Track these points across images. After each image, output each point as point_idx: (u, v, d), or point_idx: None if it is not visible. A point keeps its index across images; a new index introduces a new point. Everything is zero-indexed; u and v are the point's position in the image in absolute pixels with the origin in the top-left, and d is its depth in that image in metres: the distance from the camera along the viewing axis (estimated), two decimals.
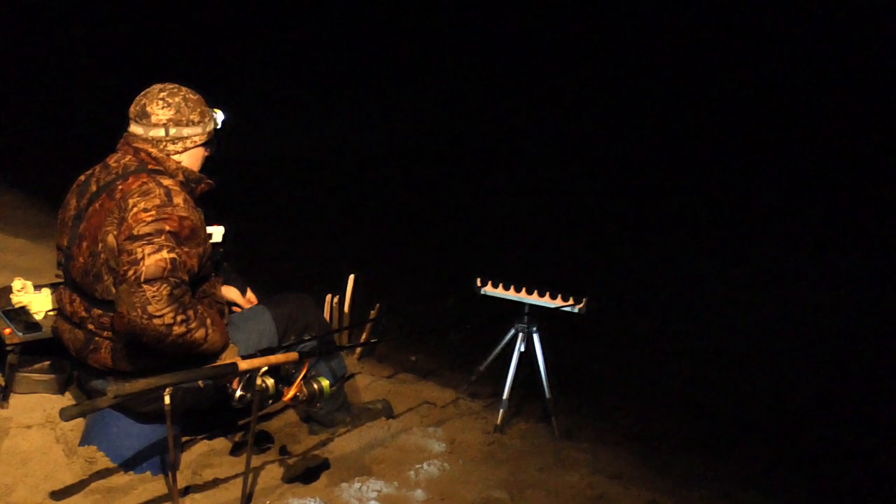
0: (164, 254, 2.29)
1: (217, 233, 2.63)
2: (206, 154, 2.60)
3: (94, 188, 2.48)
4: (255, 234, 5.03)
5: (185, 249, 2.35)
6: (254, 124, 7.32)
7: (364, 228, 6.02)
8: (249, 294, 2.92)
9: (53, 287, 2.93)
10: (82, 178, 2.57)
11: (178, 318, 2.27)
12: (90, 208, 2.45)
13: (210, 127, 2.57)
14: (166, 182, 2.42)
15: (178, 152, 2.51)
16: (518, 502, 2.69)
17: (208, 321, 2.37)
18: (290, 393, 2.40)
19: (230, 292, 2.85)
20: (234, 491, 2.50)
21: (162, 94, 2.48)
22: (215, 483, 2.57)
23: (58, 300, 2.61)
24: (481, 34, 10.00)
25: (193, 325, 2.31)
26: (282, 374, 2.42)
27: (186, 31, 10.06)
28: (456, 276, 3.74)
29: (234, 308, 2.85)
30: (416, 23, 10.25)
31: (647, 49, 9.21)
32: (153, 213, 2.33)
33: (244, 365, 2.34)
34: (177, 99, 2.49)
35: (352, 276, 3.64)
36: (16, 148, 6.70)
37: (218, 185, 2.63)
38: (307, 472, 2.69)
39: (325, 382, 2.48)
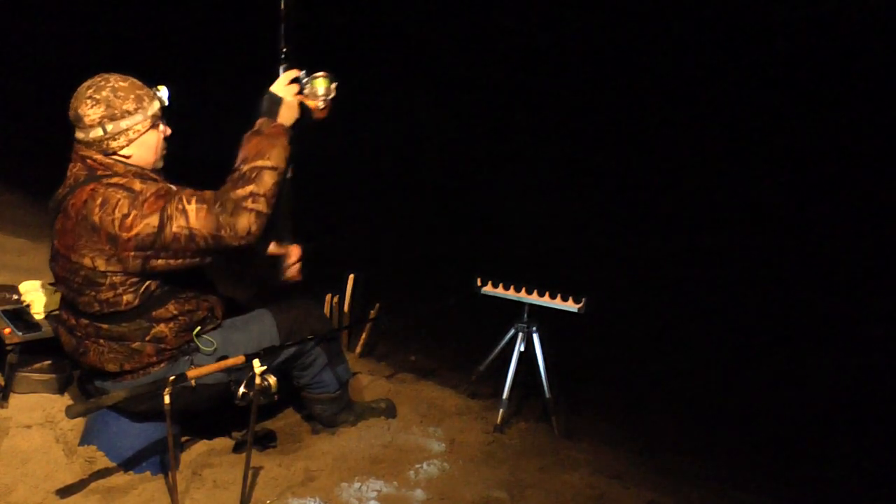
0: (189, 207, 2.29)
1: None
2: (163, 135, 2.49)
3: (53, 204, 2.44)
4: None
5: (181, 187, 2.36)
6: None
7: (364, 228, 6.02)
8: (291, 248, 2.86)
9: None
10: (58, 189, 2.49)
11: (251, 204, 2.31)
12: (55, 224, 2.43)
13: (153, 109, 2.42)
14: (114, 180, 2.36)
15: (123, 147, 2.40)
16: (518, 502, 2.69)
17: (257, 162, 2.37)
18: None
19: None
20: (234, 491, 2.50)
21: (89, 92, 2.38)
22: (215, 483, 2.57)
23: (60, 303, 2.63)
24: (481, 34, 9.99)
25: (258, 188, 2.33)
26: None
27: (187, 30, 10.06)
28: (456, 276, 3.74)
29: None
30: (416, 22, 10.24)
31: (647, 48, 9.20)
32: (134, 211, 2.28)
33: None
34: (104, 93, 2.37)
35: (352, 276, 3.64)
36: (16, 148, 6.71)
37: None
38: (307, 472, 2.69)
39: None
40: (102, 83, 2.39)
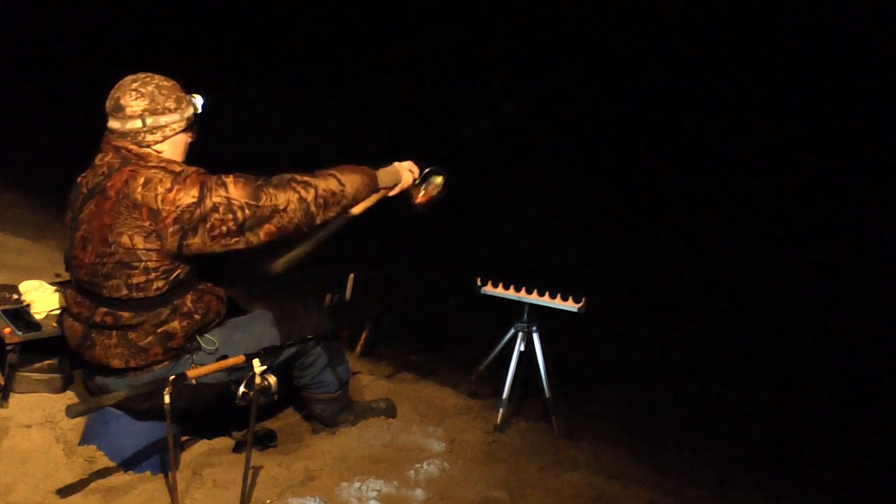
0: (230, 180, 2.41)
1: None
2: (189, 140, 2.57)
3: (84, 191, 2.48)
4: None
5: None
6: (253, 124, 7.33)
7: (364, 228, 6.00)
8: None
9: (63, 286, 2.96)
10: (78, 179, 2.55)
11: (301, 190, 2.47)
12: (84, 211, 2.45)
13: (188, 113, 2.52)
14: (153, 163, 2.43)
15: (157, 142, 2.47)
16: (518, 502, 2.69)
17: (332, 171, 2.59)
18: (421, 198, 2.91)
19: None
20: (234, 491, 2.50)
21: (134, 85, 2.44)
22: (215, 483, 2.57)
23: (65, 298, 2.63)
24: (481, 33, 9.99)
25: (317, 182, 2.51)
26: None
27: (186, 31, 10.06)
28: (456, 276, 3.74)
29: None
30: (416, 22, 10.24)
31: (647, 48, 9.20)
32: (177, 186, 2.37)
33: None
34: (150, 88, 2.44)
35: (352, 276, 3.64)
36: (16, 148, 6.71)
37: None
38: (307, 472, 2.69)
39: (439, 179, 2.84)
40: (148, 79, 2.47)
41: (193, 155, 2.59)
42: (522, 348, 3.28)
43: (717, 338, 4.63)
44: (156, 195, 2.36)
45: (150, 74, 2.49)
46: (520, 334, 3.30)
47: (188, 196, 2.36)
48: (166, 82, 2.50)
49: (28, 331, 2.81)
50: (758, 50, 8.78)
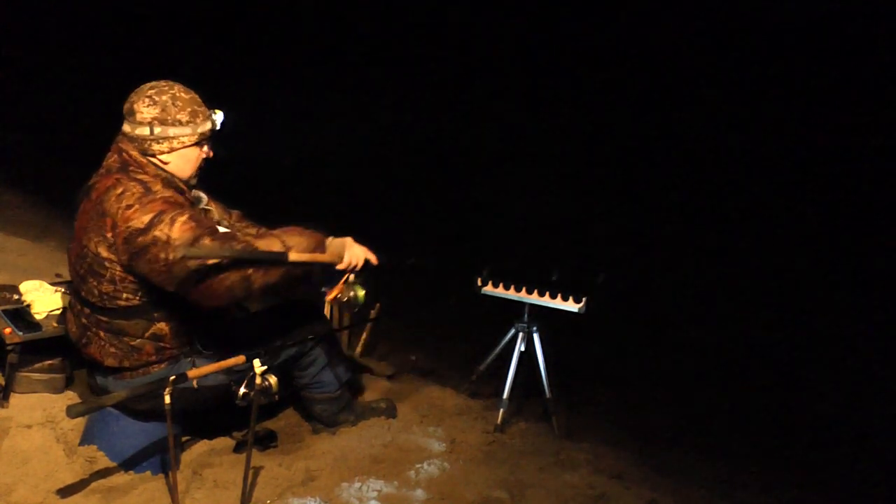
0: (180, 220, 2.27)
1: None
2: (204, 156, 2.51)
3: (85, 188, 2.48)
4: None
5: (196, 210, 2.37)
6: (253, 124, 7.32)
7: (364, 228, 6.00)
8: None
9: (63, 286, 2.98)
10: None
11: (239, 248, 2.28)
12: (80, 208, 2.46)
13: (203, 128, 2.46)
14: (141, 177, 2.39)
15: (164, 152, 2.43)
16: (518, 502, 2.69)
17: (276, 232, 2.41)
18: (333, 294, 2.58)
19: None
20: (234, 491, 2.50)
21: (150, 92, 2.41)
22: (215, 483, 2.57)
23: (70, 293, 2.65)
24: (481, 33, 9.99)
25: (259, 244, 2.31)
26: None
27: (188, 29, 10.06)
28: (456, 276, 3.74)
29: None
30: (416, 22, 10.24)
31: (647, 48, 9.20)
32: (136, 206, 2.30)
33: (294, 257, 2.33)
34: (164, 97, 2.41)
35: (352, 277, 3.63)
36: (16, 148, 6.70)
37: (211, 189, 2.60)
38: (307, 472, 2.69)
39: (361, 292, 2.59)
40: (166, 88, 2.43)
41: (212, 170, 2.56)
42: (523, 348, 3.29)
43: (717, 338, 4.63)
44: (118, 209, 2.31)
45: (171, 83, 2.45)
46: (520, 334, 3.30)
47: (139, 221, 2.29)
48: (184, 94, 2.44)
49: (28, 331, 2.81)
50: (757, 49, 8.78)
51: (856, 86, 8.01)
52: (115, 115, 2.50)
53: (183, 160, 2.47)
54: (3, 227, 4.78)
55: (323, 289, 2.65)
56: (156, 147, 2.42)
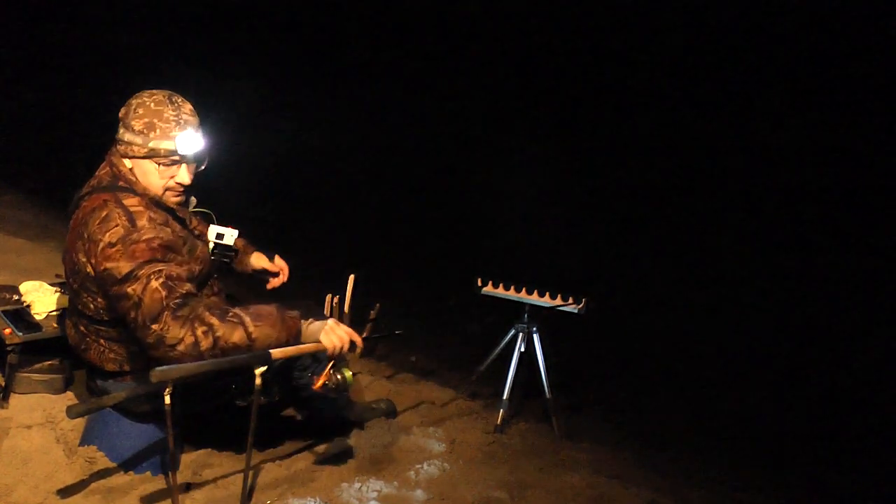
0: (154, 283, 2.21)
1: (229, 235, 2.61)
2: (165, 174, 2.39)
3: (76, 199, 2.46)
4: (255, 235, 5.02)
5: (171, 259, 2.30)
6: (253, 125, 7.33)
7: (364, 228, 6.02)
8: (277, 260, 2.93)
9: (63, 287, 2.97)
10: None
11: (200, 332, 2.20)
12: (72, 218, 2.45)
13: (159, 145, 2.34)
14: (128, 202, 2.34)
15: (123, 156, 2.39)
16: (518, 502, 2.69)
17: (246, 319, 2.26)
18: (320, 382, 2.46)
19: (259, 260, 2.88)
20: (234, 491, 2.50)
21: (137, 95, 2.39)
22: (215, 483, 2.57)
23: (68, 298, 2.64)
24: (481, 33, 9.99)
25: (221, 331, 2.21)
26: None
27: (187, 30, 10.05)
28: (456, 276, 3.74)
29: (271, 278, 2.92)
30: (416, 22, 10.24)
31: (647, 48, 9.20)
32: (119, 247, 2.25)
33: (277, 354, 2.29)
34: (136, 100, 2.37)
35: (352, 276, 3.64)
36: (15, 148, 6.70)
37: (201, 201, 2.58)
38: (307, 472, 2.69)
39: (348, 373, 2.48)
40: (148, 95, 2.38)
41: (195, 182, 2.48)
42: (523, 349, 3.29)
43: (717, 338, 4.63)
44: (99, 241, 2.27)
45: (154, 92, 2.39)
46: (520, 335, 3.30)
47: (116, 269, 2.24)
48: (157, 105, 2.35)
49: (28, 331, 2.81)
50: (757, 50, 8.78)
51: (856, 85, 8.01)
52: (116, 114, 2.50)
53: (139, 170, 2.40)
54: (4, 228, 4.78)
55: (309, 374, 2.61)
56: (119, 147, 2.41)
